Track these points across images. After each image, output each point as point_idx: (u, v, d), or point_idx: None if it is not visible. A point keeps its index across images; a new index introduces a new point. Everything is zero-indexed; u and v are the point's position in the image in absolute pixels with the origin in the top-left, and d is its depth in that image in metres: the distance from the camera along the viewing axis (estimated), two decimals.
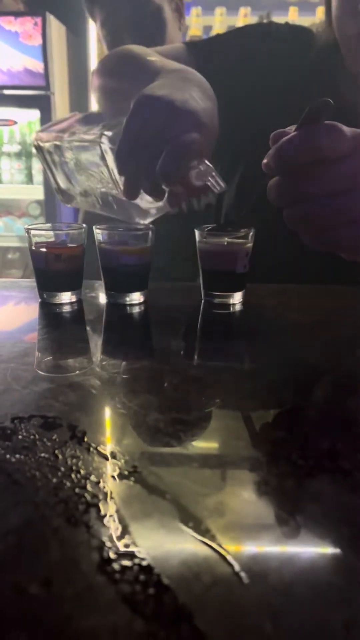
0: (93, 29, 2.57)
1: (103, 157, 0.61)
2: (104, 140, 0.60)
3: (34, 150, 0.75)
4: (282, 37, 0.88)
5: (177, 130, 0.54)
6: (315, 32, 0.86)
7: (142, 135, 0.56)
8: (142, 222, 0.68)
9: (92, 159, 0.65)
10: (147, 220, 0.67)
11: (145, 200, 0.64)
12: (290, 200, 0.49)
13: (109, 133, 0.60)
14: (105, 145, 0.60)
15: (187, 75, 0.64)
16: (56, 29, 2.57)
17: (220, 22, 2.40)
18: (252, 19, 2.42)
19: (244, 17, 2.41)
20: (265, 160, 0.49)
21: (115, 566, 0.23)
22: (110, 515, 0.27)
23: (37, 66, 2.48)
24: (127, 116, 0.57)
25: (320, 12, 2.44)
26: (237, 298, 0.68)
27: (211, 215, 0.99)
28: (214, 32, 2.41)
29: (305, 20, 2.35)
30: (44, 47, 2.46)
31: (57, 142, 0.68)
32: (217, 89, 0.66)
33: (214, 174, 0.56)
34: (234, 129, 0.75)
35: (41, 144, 0.71)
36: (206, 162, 0.56)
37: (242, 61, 0.85)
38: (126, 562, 0.23)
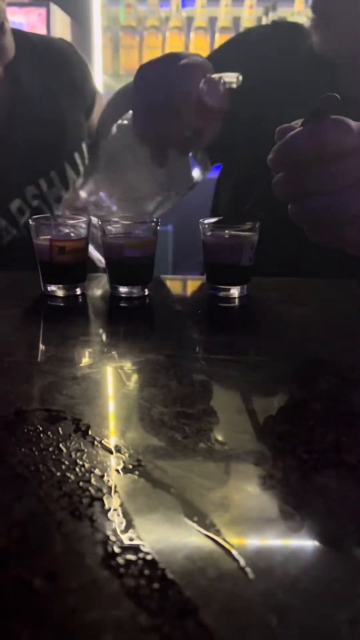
0: (98, 20, 2.56)
1: (127, 142, 0.62)
2: (121, 127, 0.61)
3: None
4: (278, 36, 0.89)
5: (176, 65, 0.56)
6: (307, 27, 0.86)
7: (149, 99, 0.56)
8: (184, 191, 0.68)
9: (116, 156, 0.66)
10: (188, 188, 0.68)
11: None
12: (295, 196, 0.49)
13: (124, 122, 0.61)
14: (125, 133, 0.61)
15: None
16: (60, 19, 2.55)
17: (225, 13, 2.38)
18: (258, 11, 2.40)
19: (250, 9, 2.39)
20: (271, 156, 0.49)
21: (120, 560, 0.23)
22: (115, 509, 0.27)
23: None
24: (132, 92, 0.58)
25: None
26: (242, 291, 0.67)
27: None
28: (219, 24, 2.39)
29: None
30: None
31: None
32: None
33: (225, 77, 0.56)
34: (238, 120, 0.75)
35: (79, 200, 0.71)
36: (212, 76, 0.56)
37: (240, 62, 0.86)
38: (131, 556, 0.23)
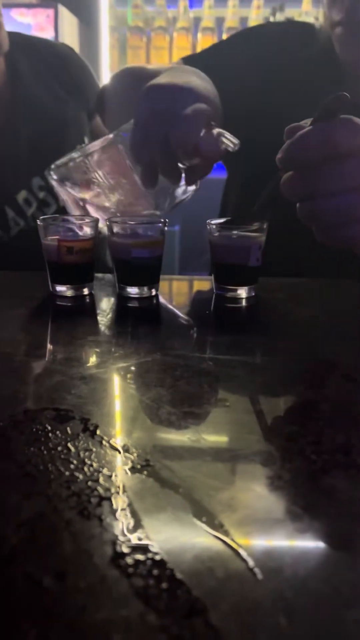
0: (105, 21, 2.56)
1: (121, 156, 0.62)
2: (119, 139, 0.62)
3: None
4: (282, 35, 0.88)
5: (183, 105, 0.56)
6: (318, 27, 0.85)
7: (151, 121, 0.57)
8: (162, 212, 0.69)
9: (110, 165, 0.66)
10: (166, 210, 0.69)
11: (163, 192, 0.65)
12: (304, 196, 0.49)
13: (124, 135, 0.62)
14: (120, 145, 0.62)
15: (182, 68, 0.69)
16: (68, 20, 2.56)
17: (232, 13, 2.38)
18: (265, 11, 2.39)
19: (257, 9, 2.39)
20: (280, 155, 0.49)
21: (129, 560, 0.23)
22: (123, 509, 0.27)
23: None
24: (135, 109, 0.58)
25: None
26: (249, 292, 0.67)
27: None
28: (226, 25, 2.39)
29: (318, 12, 2.33)
30: (56, 39, 2.46)
31: (73, 163, 0.69)
32: (223, 95, 0.70)
33: (226, 134, 0.57)
34: (246, 120, 0.76)
35: (57, 174, 0.71)
36: (216, 127, 0.57)
37: (239, 68, 0.87)
38: (139, 556, 0.23)
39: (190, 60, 0.88)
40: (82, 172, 0.69)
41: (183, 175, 0.62)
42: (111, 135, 0.65)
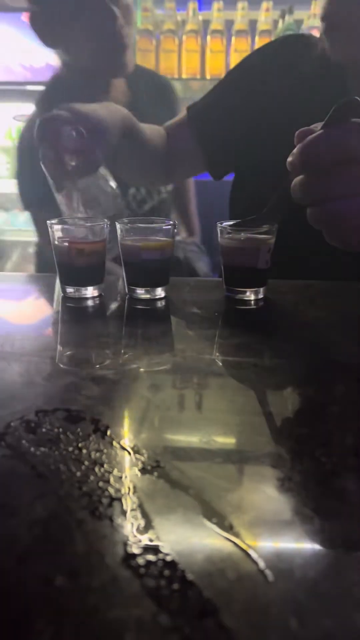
0: None
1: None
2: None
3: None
4: (269, 52, 0.91)
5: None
6: (314, 38, 0.86)
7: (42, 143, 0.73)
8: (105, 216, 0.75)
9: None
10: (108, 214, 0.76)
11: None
12: (315, 199, 0.49)
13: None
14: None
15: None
16: None
17: (241, 16, 2.38)
18: (274, 14, 2.39)
19: (266, 12, 2.38)
20: (290, 159, 0.49)
21: (140, 560, 0.23)
22: (133, 510, 0.27)
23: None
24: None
25: None
26: (258, 294, 0.67)
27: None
28: (235, 28, 2.39)
29: None
30: None
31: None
32: (230, 127, 0.83)
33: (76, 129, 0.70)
34: (255, 125, 0.76)
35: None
36: (75, 127, 0.71)
37: (237, 106, 0.91)
38: (150, 557, 0.23)
39: (195, 108, 0.96)
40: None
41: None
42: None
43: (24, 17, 2.47)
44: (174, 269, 1.34)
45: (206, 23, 2.44)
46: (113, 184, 0.82)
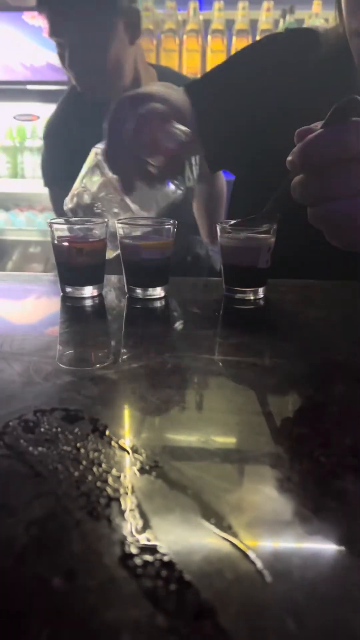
0: None
1: (102, 170, 0.65)
2: (99, 152, 0.67)
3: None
4: (279, 43, 0.88)
5: (141, 106, 0.62)
6: (322, 30, 0.85)
7: (115, 138, 0.62)
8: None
9: (98, 184, 0.68)
10: (153, 213, 0.71)
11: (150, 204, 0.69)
12: (315, 199, 0.49)
13: (101, 146, 0.66)
14: (100, 157, 0.66)
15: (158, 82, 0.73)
16: None
17: (242, 15, 2.38)
18: (275, 13, 2.39)
19: (267, 11, 2.38)
20: (290, 158, 0.49)
21: (138, 560, 0.23)
22: (132, 510, 0.27)
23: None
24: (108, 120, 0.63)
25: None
26: (258, 293, 0.67)
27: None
28: (236, 27, 2.39)
29: (329, 14, 2.32)
30: None
31: (74, 192, 0.73)
32: (228, 118, 0.76)
33: (177, 125, 0.62)
34: (255, 124, 0.76)
35: (70, 206, 0.73)
36: (171, 121, 0.62)
37: (240, 89, 0.87)
38: (148, 557, 0.23)
39: (194, 85, 0.91)
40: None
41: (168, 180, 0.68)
42: (92, 152, 0.70)
43: (25, 16, 2.47)
44: (195, 264, 1.34)
45: (207, 23, 2.44)
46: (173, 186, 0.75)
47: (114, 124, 0.63)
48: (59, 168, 0.90)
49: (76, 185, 0.73)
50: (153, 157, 0.63)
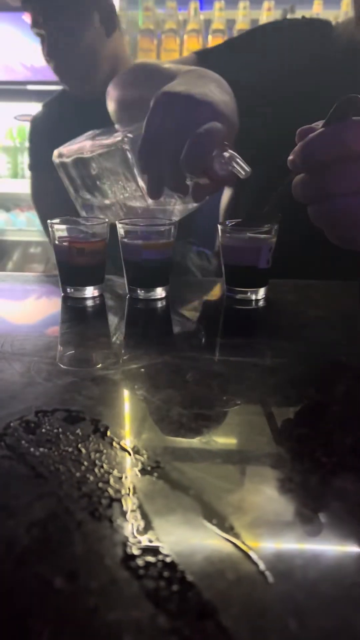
0: None
1: (126, 161, 0.62)
2: (127, 141, 0.60)
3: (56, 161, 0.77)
4: (297, 33, 0.86)
5: (198, 121, 0.54)
6: (335, 25, 0.84)
7: (162, 131, 0.56)
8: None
9: (115, 165, 0.65)
10: (175, 219, 0.68)
11: (168, 201, 0.64)
12: (316, 197, 0.49)
13: (131, 135, 0.61)
14: (128, 147, 0.61)
15: (202, 72, 0.64)
16: None
17: (243, 15, 2.38)
18: (276, 13, 2.39)
19: (267, 11, 2.38)
20: (291, 157, 0.49)
21: (139, 561, 0.23)
22: (133, 510, 0.27)
23: None
24: (147, 115, 0.57)
25: (345, 6, 2.40)
26: (259, 293, 0.67)
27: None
28: (237, 27, 2.39)
29: (329, 14, 2.32)
30: None
31: (80, 155, 0.69)
32: (236, 95, 0.66)
33: (238, 159, 0.55)
34: (257, 122, 0.75)
35: (65, 159, 0.71)
36: (229, 149, 0.55)
37: (254, 64, 0.84)
38: (150, 558, 0.23)
39: (203, 55, 0.87)
40: (85, 164, 0.69)
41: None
42: (119, 136, 0.64)
43: (25, 16, 2.47)
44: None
45: (207, 22, 2.45)
46: None
47: (153, 120, 0.57)
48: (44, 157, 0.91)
49: (79, 148, 0.70)
50: (199, 177, 0.58)
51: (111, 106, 0.85)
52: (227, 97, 0.61)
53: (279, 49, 0.84)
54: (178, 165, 0.55)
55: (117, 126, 0.73)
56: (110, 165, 0.67)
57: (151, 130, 0.57)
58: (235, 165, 0.55)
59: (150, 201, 0.65)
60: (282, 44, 0.85)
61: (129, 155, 0.62)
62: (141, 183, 0.63)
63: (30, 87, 2.58)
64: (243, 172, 0.56)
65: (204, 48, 0.94)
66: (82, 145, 0.70)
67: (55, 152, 0.74)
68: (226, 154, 0.55)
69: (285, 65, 0.82)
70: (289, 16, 2.31)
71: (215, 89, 0.59)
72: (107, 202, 0.73)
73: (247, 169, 0.56)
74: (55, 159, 0.73)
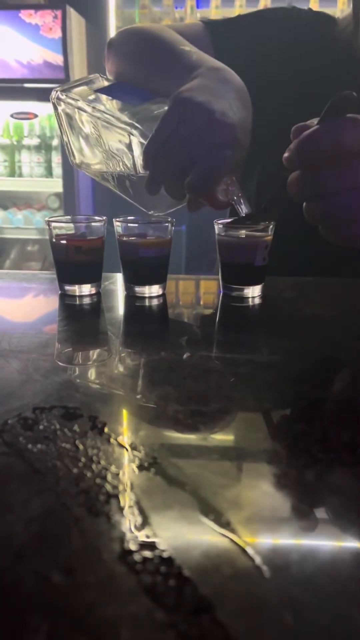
0: (113, 21, 2.57)
1: (130, 147, 0.61)
2: (135, 132, 0.60)
3: (52, 105, 0.72)
4: (304, 22, 0.84)
5: (212, 145, 0.53)
6: (338, 21, 0.84)
7: (175, 139, 0.54)
8: (156, 213, 0.68)
9: (115, 141, 0.64)
10: (161, 212, 0.67)
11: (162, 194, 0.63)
12: (311, 195, 0.49)
13: (141, 127, 0.60)
14: (136, 137, 0.60)
15: (226, 75, 0.62)
16: (76, 21, 2.57)
17: (239, 13, 2.38)
18: None
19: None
20: (286, 154, 0.49)
21: (137, 557, 0.23)
22: (130, 506, 0.27)
23: (57, 59, 2.48)
24: (163, 115, 0.56)
25: (341, 3, 2.40)
26: (256, 291, 0.67)
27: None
28: None
29: (326, 11, 2.31)
30: (64, 40, 2.46)
31: (79, 111, 0.66)
32: (236, 72, 0.64)
33: (240, 194, 0.56)
34: (255, 120, 0.75)
35: (62, 105, 0.68)
36: (234, 181, 0.55)
37: (263, 44, 0.82)
38: (147, 553, 0.23)
39: (211, 26, 0.84)
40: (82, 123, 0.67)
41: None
42: (126, 118, 0.62)
43: (22, 14, 2.46)
44: None
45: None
46: None
47: (167, 123, 0.55)
48: None
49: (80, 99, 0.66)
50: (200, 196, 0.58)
51: (109, 75, 0.80)
52: (245, 112, 0.59)
53: (287, 34, 0.82)
54: (180, 179, 0.54)
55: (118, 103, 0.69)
56: (110, 139, 0.64)
57: (163, 134, 0.55)
58: (235, 199, 0.56)
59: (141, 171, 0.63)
60: (290, 30, 0.83)
61: (134, 145, 0.61)
62: (140, 167, 0.62)
63: (27, 85, 2.58)
64: (242, 211, 0.57)
65: (213, 19, 0.89)
66: (83, 101, 0.66)
67: (54, 92, 0.68)
68: (230, 187, 0.56)
69: (290, 53, 0.80)
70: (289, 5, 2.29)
71: (235, 103, 0.58)
72: (95, 163, 0.71)
73: (246, 209, 0.57)
74: (52, 98, 0.68)
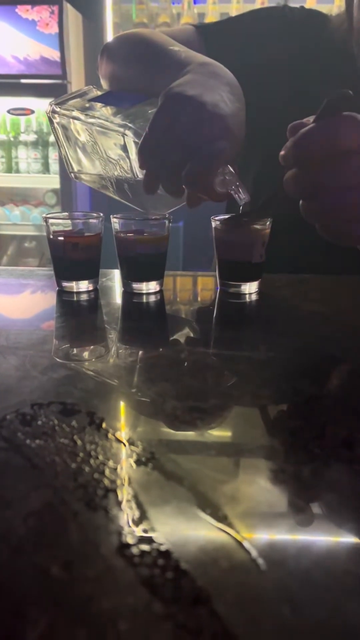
0: (109, 17, 2.56)
1: (125, 149, 0.61)
2: (128, 132, 0.60)
3: (49, 117, 0.72)
4: (297, 21, 0.84)
5: (206, 137, 0.53)
6: (332, 19, 0.84)
7: (168, 134, 0.54)
8: (156, 212, 0.68)
9: (111, 145, 0.64)
10: (162, 212, 0.67)
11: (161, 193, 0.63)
12: (308, 193, 0.49)
13: (134, 126, 0.60)
14: (130, 137, 0.60)
15: (217, 70, 0.61)
16: (73, 17, 2.56)
17: (237, 9, 2.37)
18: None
19: (261, 5, 2.38)
20: (282, 152, 0.49)
21: (135, 550, 0.24)
22: (128, 501, 0.27)
23: (54, 55, 2.48)
24: (155, 111, 0.56)
25: (338, 0, 2.40)
26: (253, 288, 0.67)
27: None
28: None
29: (323, 8, 2.31)
30: (61, 36, 2.46)
31: (75, 120, 0.67)
32: (235, 75, 0.64)
33: (237, 184, 0.55)
34: (250, 118, 0.75)
35: (57, 117, 0.69)
36: (232, 170, 0.55)
37: (255, 45, 0.82)
38: (145, 547, 0.24)
39: (203, 30, 0.83)
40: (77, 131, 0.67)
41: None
42: (119, 120, 0.62)
43: (19, 10, 2.45)
44: None
45: (201, 16, 2.44)
46: None
47: (159, 120, 0.55)
48: None
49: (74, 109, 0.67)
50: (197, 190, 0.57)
51: (105, 81, 0.80)
52: (238, 105, 0.58)
53: (279, 34, 0.82)
54: (177, 174, 0.54)
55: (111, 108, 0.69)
56: (105, 144, 0.64)
57: (156, 131, 0.55)
58: (234, 188, 0.55)
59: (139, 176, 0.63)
60: (283, 30, 0.83)
61: (129, 146, 0.61)
62: (137, 169, 0.62)
63: (23, 81, 2.57)
64: (240, 200, 0.56)
65: (204, 23, 0.89)
66: (78, 110, 0.67)
67: (49, 107, 0.70)
68: (227, 177, 0.55)
69: (284, 53, 0.80)
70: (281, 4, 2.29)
71: (227, 96, 0.57)
72: (93, 172, 0.71)
73: (245, 195, 0.56)
74: (47, 112, 0.69)
